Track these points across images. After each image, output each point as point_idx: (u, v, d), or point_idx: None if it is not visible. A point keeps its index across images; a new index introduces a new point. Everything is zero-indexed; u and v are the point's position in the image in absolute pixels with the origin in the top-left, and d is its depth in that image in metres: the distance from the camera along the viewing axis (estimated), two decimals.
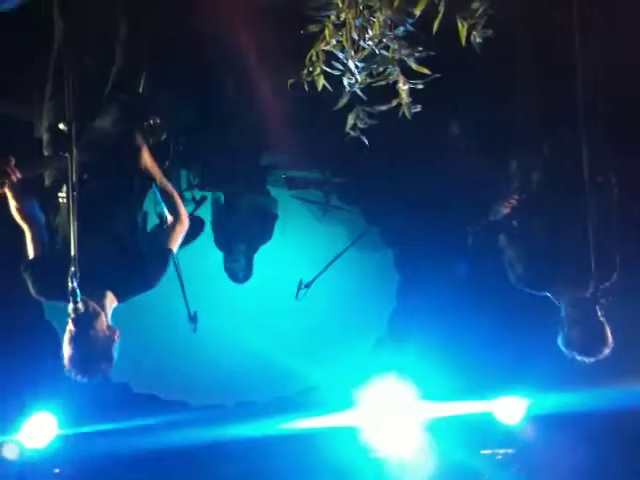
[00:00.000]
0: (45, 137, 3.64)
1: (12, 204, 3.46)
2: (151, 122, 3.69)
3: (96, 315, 3.29)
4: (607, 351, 3.92)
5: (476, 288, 5.52)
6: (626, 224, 4.21)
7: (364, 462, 5.82)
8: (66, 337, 3.26)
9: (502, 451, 5.93)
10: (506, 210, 4.39)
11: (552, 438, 5.64)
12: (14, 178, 3.27)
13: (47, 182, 3.58)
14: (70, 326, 3.23)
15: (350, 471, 5.77)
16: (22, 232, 3.50)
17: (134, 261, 3.46)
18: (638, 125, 4.50)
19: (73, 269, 3.16)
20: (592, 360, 3.96)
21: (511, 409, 5.79)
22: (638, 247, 4.55)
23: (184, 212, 3.62)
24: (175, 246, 3.55)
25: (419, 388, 5.72)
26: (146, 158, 3.55)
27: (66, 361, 3.28)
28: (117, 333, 3.37)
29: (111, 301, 3.43)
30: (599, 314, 3.87)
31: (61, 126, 3.41)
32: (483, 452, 5.94)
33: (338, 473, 5.72)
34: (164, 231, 3.57)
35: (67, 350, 3.26)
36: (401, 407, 5.74)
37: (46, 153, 3.59)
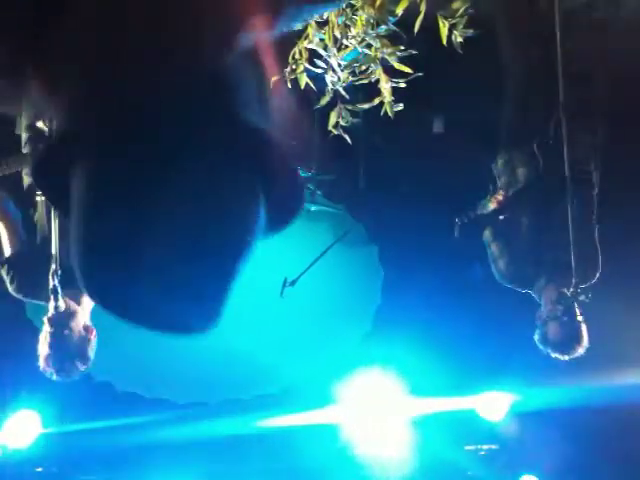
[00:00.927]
0: (24, 135, 3.61)
1: None
2: None
3: (72, 314, 3.30)
4: (581, 350, 3.94)
5: (461, 285, 5.54)
6: (614, 223, 4.21)
7: (348, 459, 5.83)
8: (42, 336, 3.28)
9: (486, 447, 5.96)
10: (490, 207, 4.40)
11: (536, 434, 5.68)
12: None
13: (25, 180, 3.55)
14: (46, 325, 3.24)
15: (334, 468, 5.78)
16: None
17: None
18: (626, 123, 4.52)
19: (54, 267, 3.15)
20: (566, 358, 3.98)
21: (495, 405, 5.82)
22: (626, 246, 4.56)
23: None
24: None
25: (404, 384, 5.73)
26: None
27: (41, 360, 3.31)
28: (94, 332, 3.36)
29: (89, 300, 3.38)
30: (577, 312, 3.89)
31: (40, 124, 3.39)
32: (467, 448, 5.97)
33: (322, 470, 5.73)
34: None
35: (43, 349, 3.29)
36: (385, 403, 5.75)
37: (25, 151, 3.57)
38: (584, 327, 3.89)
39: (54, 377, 3.36)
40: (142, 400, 5.68)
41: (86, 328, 3.38)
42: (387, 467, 5.78)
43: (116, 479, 5.63)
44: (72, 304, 3.30)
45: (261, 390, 5.87)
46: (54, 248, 3.14)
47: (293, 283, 5.20)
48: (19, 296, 3.51)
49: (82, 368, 3.43)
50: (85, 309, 3.37)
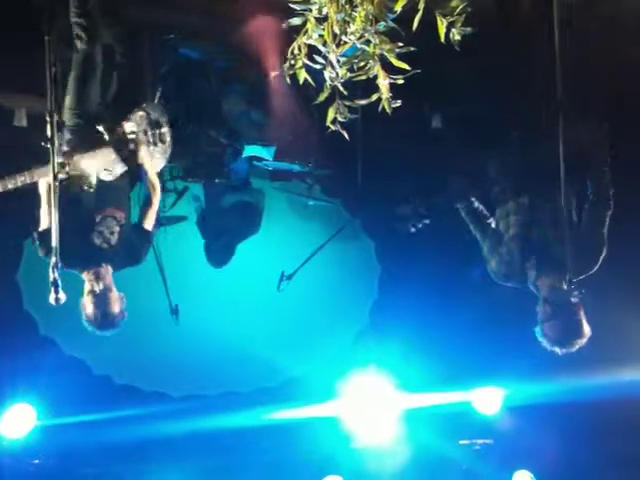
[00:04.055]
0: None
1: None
2: (162, 129, 4.07)
3: (110, 280, 3.90)
4: (582, 343, 3.95)
5: (456, 280, 5.57)
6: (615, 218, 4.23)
7: (344, 452, 5.87)
8: (89, 298, 3.83)
9: (480, 441, 6.00)
10: (484, 202, 4.42)
11: (530, 428, 5.72)
12: None
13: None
14: (94, 287, 3.82)
15: (331, 461, 5.81)
16: None
17: (126, 239, 4.00)
18: (622, 118, 4.53)
19: (54, 260, 3.17)
20: (566, 352, 4.00)
21: (489, 400, 5.86)
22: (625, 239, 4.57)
23: (158, 198, 4.16)
24: (151, 224, 4.10)
25: (399, 379, 5.77)
26: (144, 154, 4.01)
27: (90, 317, 3.83)
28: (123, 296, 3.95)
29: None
30: (575, 306, 3.91)
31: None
32: (461, 442, 6.01)
33: (319, 463, 5.77)
34: (143, 214, 4.09)
35: (90, 307, 3.83)
36: (381, 398, 5.79)
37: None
38: (583, 320, 3.91)
39: (99, 331, 3.88)
40: (140, 393, 5.70)
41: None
42: (383, 460, 5.81)
43: (113, 471, 5.65)
44: (106, 271, 3.87)
45: (259, 384, 5.90)
46: (54, 241, 3.17)
47: (290, 277, 5.23)
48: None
49: (120, 322, 3.93)
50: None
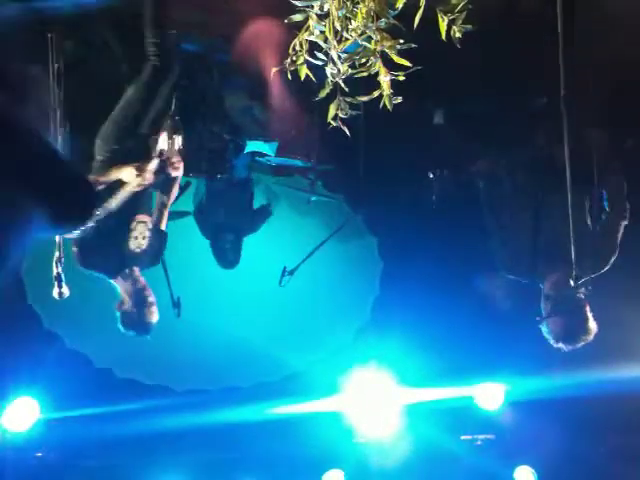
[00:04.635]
0: None
1: None
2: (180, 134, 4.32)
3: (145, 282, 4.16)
4: (587, 340, 3.96)
5: (457, 276, 5.57)
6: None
7: (346, 447, 5.88)
8: (129, 301, 4.04)
9: (482, 437, 6.00)
10: (491, 198, 4.42)
11: (532, 424, 5.72)
12: None
13: None
14: (134, 291, 4.05)
15: (333, 456, 5.82)
16: None
17: (150, 242, 4.24)
18: (628, 114, 4.52)
19: (57, 254, 3.20)
20: (572, 348, 4.00)
21: (491, 395, 5.86)
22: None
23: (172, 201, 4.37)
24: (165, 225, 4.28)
25: (400, 374, 5.77)
26: (174, 161, 4.23)
27: (131, 320, 4.07)
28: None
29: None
30: (581, 303, 3.91)
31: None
32: (463, 437, 6.01)
33: (321, 458, 5.78)
34: (160, 216, 4.32)
35: (133, 311, 4.06)
36: (383, 393, 5.79)
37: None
38: (589, 317, 3.91)
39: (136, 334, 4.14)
40: (142, 387, 5.72)
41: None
42: (385, 455, 5.82)
43: (115, 465, 5.67)
44: (139, 274, 4.11)
45: (260, 378, 5.91)
46: (58, 237, 3.19)
47: (292, 272, 5.24)
48: (86, 269, 4.04)
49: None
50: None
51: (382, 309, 6.01)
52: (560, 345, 4.04)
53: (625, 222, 4.11)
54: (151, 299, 4.12)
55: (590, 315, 3.97)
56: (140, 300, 4.06)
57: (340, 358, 5.90)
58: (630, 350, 5.26)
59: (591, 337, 3.97)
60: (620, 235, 4.09)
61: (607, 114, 4.23)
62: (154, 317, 4.13)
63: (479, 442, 6.01)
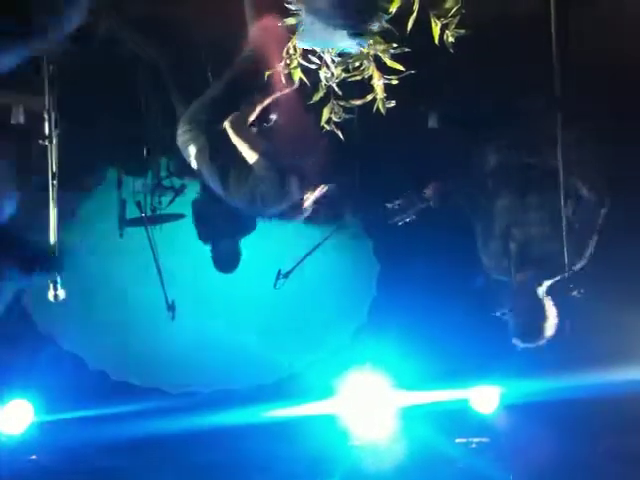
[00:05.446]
0: None
1: None
2: None
3: None
4: (542, 341, 4.00)
5: (453, 279, 5.57)
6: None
7: (341, 450, 5.88)
8: None
9: (477, 439, 6.01)
10: (472, 201, 4.46)
11: (527, 427, 5.72)
12: None
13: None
14: None
15: (328, 459, 5.82)
16: None
17: None
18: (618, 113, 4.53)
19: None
20: (525, 347, 4.04)
21: (486, 398, 5.87)
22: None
23: None
24: None
25: (396, 377, 5.77)
26: None
27: None
28: None
29: None
30: (542, 303, 3.94)
31: None
32: (458, 440, 6.02)
33: (316, 461, 5.78)
34: None
35: None
36: (378, 395, 5.79)
37: None
38: (547, 317, 3.94)
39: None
40: (136, 389, 5.71)
41: None
42: (380, 458, 5.82)
43: (110, 467, 5.66)
44: None
45: (256, 381, 5.91)
46: (53, 238, 3.20)
47: (287, 275, 5.24)
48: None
49: None
50: None
51: (379, 311, 6.02)
52: (516, 342, 4.08)
53: (603, 210, 4.13)
54: None
55: (551, 315, 4.00)
56: None
57: (336, 360, 5.90)
58: (624, 352, 5.27)
59: (544, 340, 4.01)
60: (597, 225, 4.11)
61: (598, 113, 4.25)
62: None
63: (474, 445, 6.01)
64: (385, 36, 2.28)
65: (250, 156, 3.57)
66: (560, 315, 4.02)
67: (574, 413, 5.59)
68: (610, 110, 4.30)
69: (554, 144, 3.62)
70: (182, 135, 3.70)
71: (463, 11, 2.11)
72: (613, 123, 4.32)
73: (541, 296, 3.94)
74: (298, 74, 2.50)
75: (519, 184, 4.21)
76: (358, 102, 2.45)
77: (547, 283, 3.90)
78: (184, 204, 5.34)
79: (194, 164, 3.73)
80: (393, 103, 2.41)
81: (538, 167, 3.85)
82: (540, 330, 3.93)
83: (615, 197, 4.32)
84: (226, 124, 3.52)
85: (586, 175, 4.14)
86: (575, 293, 3.93)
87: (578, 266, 4.04)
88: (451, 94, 4.44)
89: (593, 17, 3.91)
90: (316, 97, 2.49)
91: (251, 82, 3.54)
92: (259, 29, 3.91)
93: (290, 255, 5.40)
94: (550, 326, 3.95)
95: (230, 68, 3.74)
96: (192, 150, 3.64)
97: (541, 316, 3.95)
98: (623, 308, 4.97)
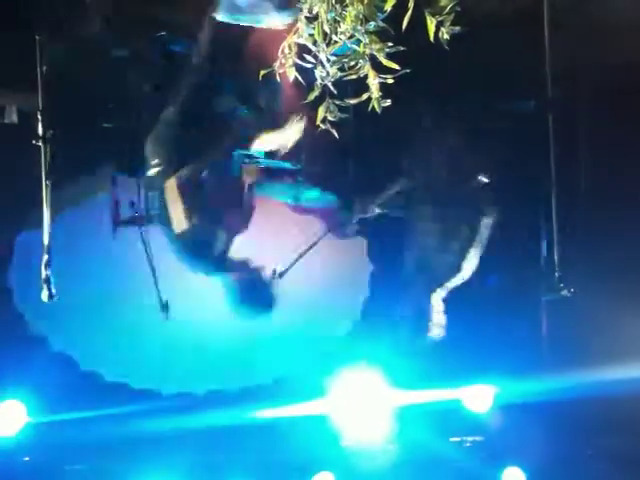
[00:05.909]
0: None
1: None
2: None
3: None
4: (434, 338, 4.11)
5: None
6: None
7: (335, 450, 5.88)
8: None
9: (471, 439, 6.02)
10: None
11: (520, 426, 5.74)
12: None
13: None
14: None
15: (320, 459, 5.82)
16: None
17: None
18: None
19: (46, 257, 3.19)
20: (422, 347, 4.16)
21: (480, 397, 5.88)
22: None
23: None
24: None
25: (390, 377, 5.78)
26: None
27: None
28: None
29: None
30: (438, 308, 4.03)
31: None
32: (452, 439, 6.03)
33: (308, 461, 5.78)
34: None
35: None
36: (372, 395, 5.80)
37: None
38: (438, 323, 4.04)
39: None
40: (130, 390, 5.69)
41: None
42: (374, 458, 5.83)
43: (103, 468, 5.64)
44: None
45: (248, 382, 5.90)
46: (46, 239, 3.19)
47: (281, 275, 5.24)
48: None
49: None
50: None
51: (371, 311, 6.02)
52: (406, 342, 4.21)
53: (489, 221, 4.26)
54: None
55: (440, 321, 4.12)
56: None
57: (329, 361, 5.89)
58: (616, 353, 5.30)
59: (435, 337, 4.12)
60: (484, 236, 4.23)
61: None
62: None
63: (468, 444, 6.03)
64: (381, 35, 2.29)
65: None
66: (536, 315, 4.08)
67: (567, 412, 5.61)
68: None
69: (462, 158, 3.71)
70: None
71: (458, 8, 2.12)
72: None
73: (433, 302, 4.06)
74: (293, 73, 2.50)
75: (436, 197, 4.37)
76: (354, 101, 2.45)
77: (439, 290, 4.03)
78: None
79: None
80: (388, 102, 2.42)
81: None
82: (426, 332, 4.06)
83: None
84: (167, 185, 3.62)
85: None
86: (565, 292, 3.95)
87: (467, 275, 4.18)
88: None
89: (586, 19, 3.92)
90: (312, 96, 2.49)
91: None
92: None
93: (284, 255, 5.41)
94: (436, 331, 4.06)
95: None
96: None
97: (427, 320, 4.09)
98: (615, 309, 5.00)
